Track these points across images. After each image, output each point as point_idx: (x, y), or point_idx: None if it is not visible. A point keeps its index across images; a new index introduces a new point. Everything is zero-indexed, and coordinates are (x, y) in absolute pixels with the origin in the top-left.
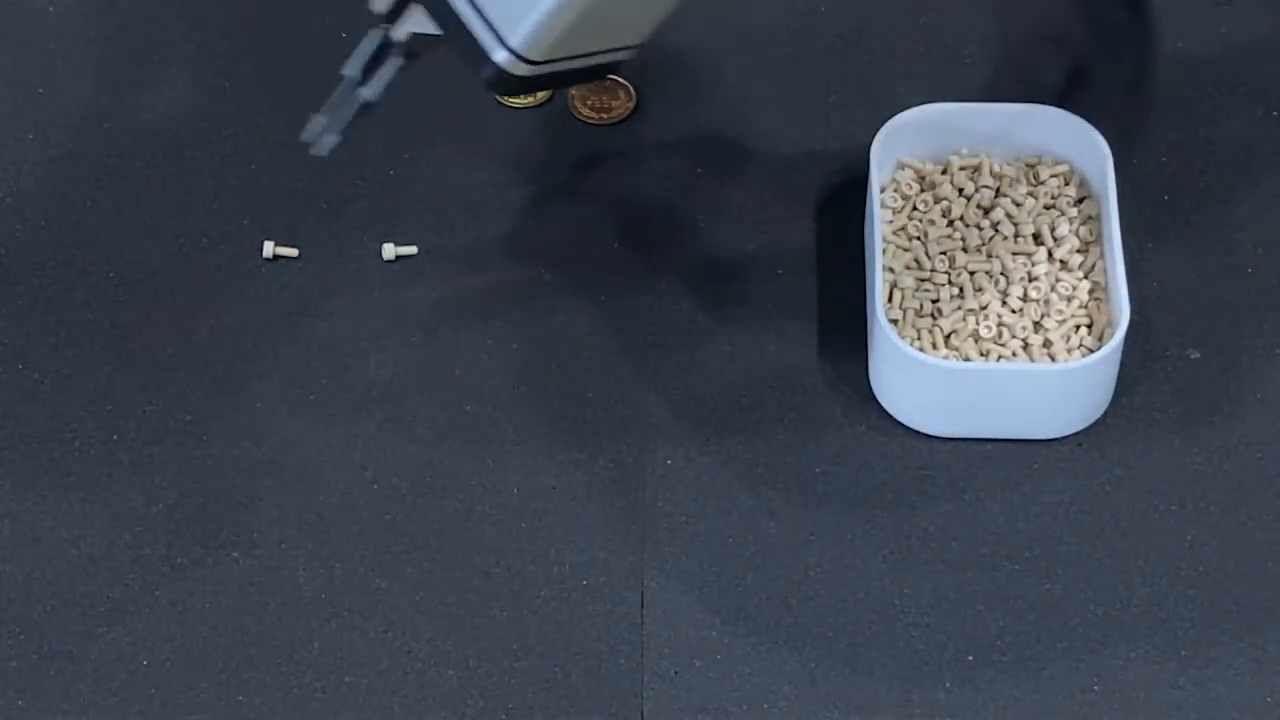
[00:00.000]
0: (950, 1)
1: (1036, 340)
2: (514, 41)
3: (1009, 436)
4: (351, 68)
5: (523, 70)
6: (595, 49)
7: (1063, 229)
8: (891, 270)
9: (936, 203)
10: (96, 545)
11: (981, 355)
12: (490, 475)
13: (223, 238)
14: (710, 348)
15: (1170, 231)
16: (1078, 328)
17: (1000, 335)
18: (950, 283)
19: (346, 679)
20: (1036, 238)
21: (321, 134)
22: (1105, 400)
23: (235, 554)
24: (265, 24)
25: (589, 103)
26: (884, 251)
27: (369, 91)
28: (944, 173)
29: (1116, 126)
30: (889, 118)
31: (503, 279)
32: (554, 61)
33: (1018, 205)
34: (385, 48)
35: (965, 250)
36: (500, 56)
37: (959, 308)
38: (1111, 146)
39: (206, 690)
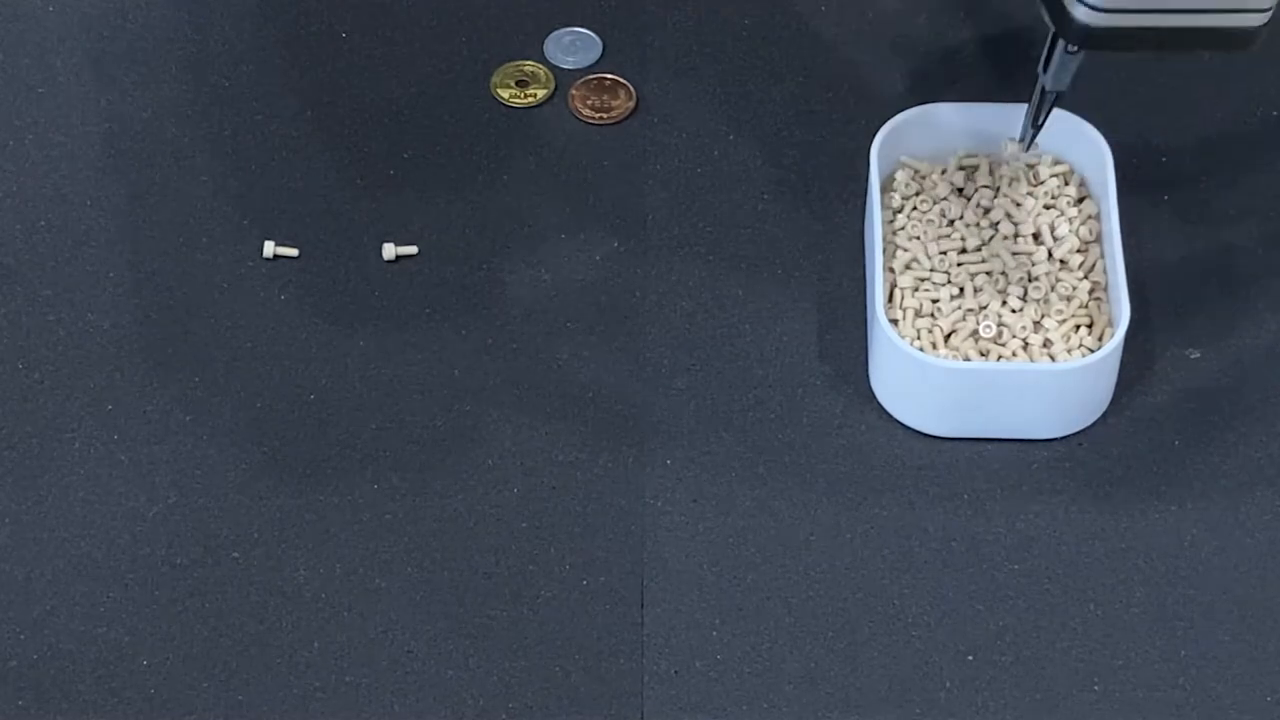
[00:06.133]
0: (950, 1)
1: (1036, 340)
2: None
3: (1009, 436)
4: (1040, 65)
5: (1103, 21)
6: (1185, 3)
7: (1062, 229)
8: (891, 270)
9: (936, 203)
10: (96, 545)
11: (981, 355)
12: (490, 475)
13: (223, 238)
14: (710, 348)
15: (1170, 232)
16: (1078, 328)
17: (1000, 335)
18: (950, 282)
19: (346, 679)
20: (1036, 237)
21: (1024, 128)
22: (1105, 400)
23: (235, 554)
24: (265, 24)
25: (589, 103)
26: (884, 251)
27: (1047, 81)
28: (943, 173)
29: (1116, 126)
30: (889, 118)
31: (503, 279)
32: (1136, 13)
33: (1017, 205)
34: (1054, 39)
35: (965, 250)
36: (1079, 11)
37: (958, 308)
38: (1111, 146)
39: (206, 690)
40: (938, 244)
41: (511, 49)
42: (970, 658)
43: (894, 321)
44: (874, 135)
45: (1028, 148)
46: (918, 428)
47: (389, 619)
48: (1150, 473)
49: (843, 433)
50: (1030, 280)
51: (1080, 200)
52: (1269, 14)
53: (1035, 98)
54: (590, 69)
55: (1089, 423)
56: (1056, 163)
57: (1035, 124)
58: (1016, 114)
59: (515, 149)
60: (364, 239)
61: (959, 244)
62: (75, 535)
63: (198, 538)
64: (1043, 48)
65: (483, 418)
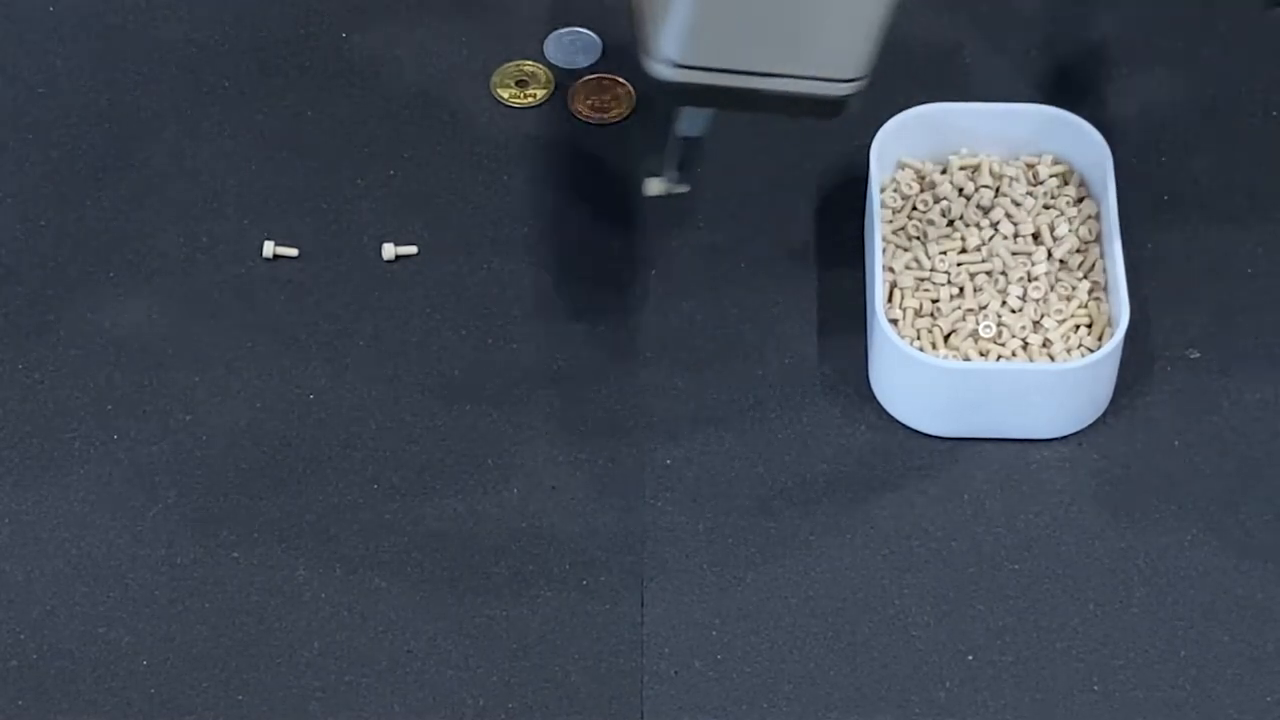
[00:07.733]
0: (950, 1)
1: (1036, 340)
2: (666, 46)
3: (1009, 436)
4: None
5: (673, 76)
6: (761, 67)
7: (1062, 228)
8: (891, 270)
9: (936, 203)
10: (96, 545)
11: (981, 355)
12: (490, 475)
13: (223, 238)
14: (710, 348)
15: (1170, 231)
16: (1077, 327)
17: (1000, 335)
18: (950, 282)
19: (346, 679)
20: (1036, 237)
21: (666, 167)
22: (1105, 400)
23: (235, 554)
24: (265, 24)
25: (589, 103)
26: (884, 251)
27: (678, 127)
28: (944, 173)
29: (1116, 126)
30: (889, 118)
31: (503, 279)
32: (714, 71)
33: (1017, 205)
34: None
35: (965, 250)
36: (652, 66)
37: (958, 307)
38: (1111, 146)
39: (206, 690)
40: (938, 244)
41: (511, 49)
42: (970, 658)
43: (894, 321)
44: (874, 135)
45: (673, 187)
46: (918, 428)
47: (389, 619)
48: (1150, 473)
49: (843, 433)
50: (1030, 280)
51: (1080, 200)
52: (856, 85)
53: (671, 142)
54: (590, 69)
55: (1089, 423)
56: (1056, 163)
57: (677, 167)
58: (1016, 114)
59: (515, 149)
60: (364, 239)
61: (959, 244)
62: (75, 535)
63: (198, 538)
64: (1041, 47)
65: (483, 418)
